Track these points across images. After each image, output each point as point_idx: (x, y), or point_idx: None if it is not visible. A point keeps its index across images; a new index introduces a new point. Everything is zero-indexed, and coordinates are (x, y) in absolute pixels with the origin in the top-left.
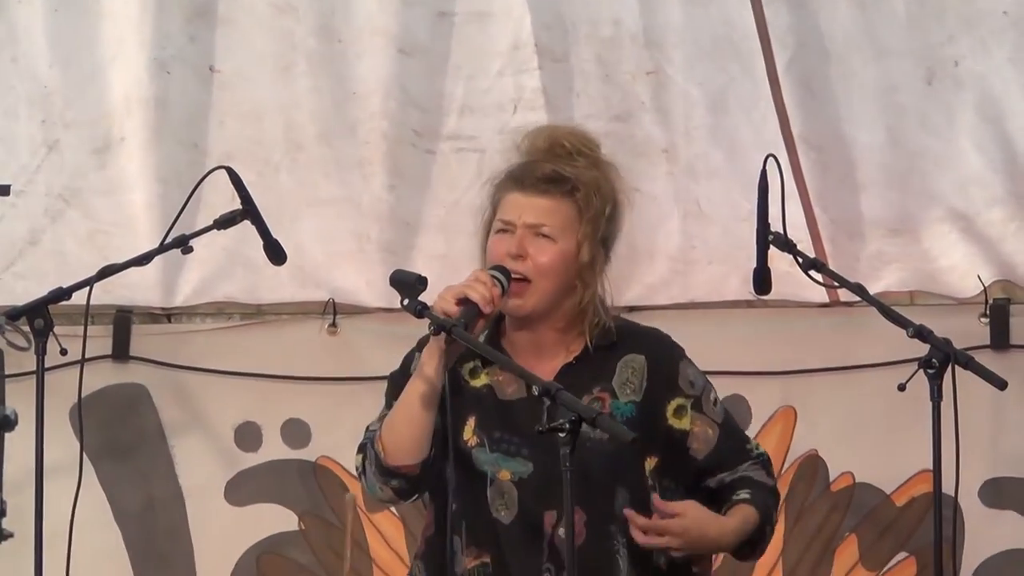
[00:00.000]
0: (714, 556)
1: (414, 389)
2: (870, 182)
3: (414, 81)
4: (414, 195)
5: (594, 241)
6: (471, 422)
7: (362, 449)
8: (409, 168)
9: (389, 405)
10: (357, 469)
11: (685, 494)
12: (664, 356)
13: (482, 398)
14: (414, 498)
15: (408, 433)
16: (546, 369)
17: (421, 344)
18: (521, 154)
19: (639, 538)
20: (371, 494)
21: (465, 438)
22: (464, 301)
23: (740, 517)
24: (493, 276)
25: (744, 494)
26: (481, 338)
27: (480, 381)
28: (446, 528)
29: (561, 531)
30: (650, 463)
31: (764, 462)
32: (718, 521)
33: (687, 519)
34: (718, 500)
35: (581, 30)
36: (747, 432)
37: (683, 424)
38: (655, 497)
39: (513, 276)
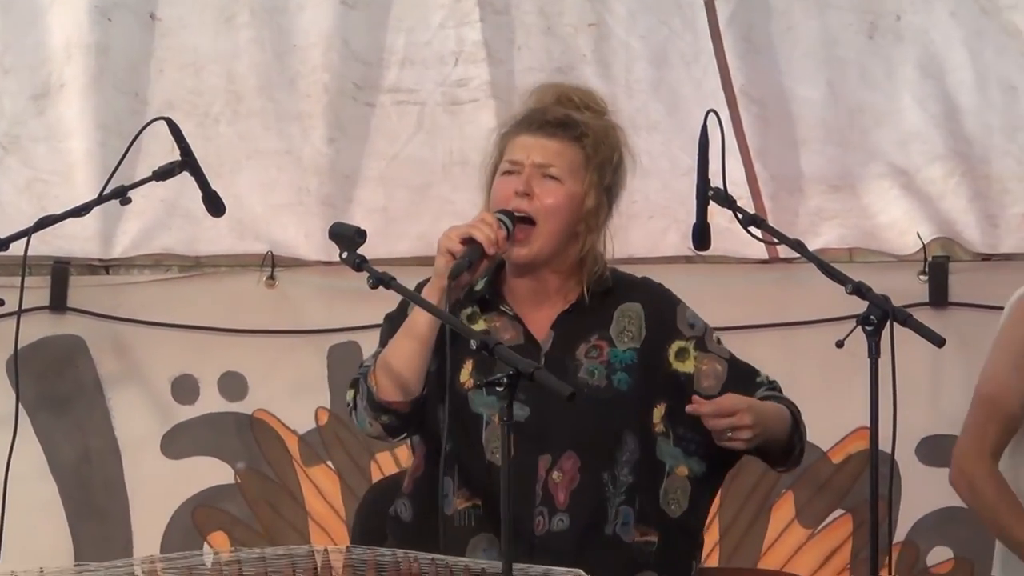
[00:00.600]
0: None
1: (411, 326)
2: (810, 138)
3: (355, 34)
4: (354, 148)
5: (600, 188)
6: (468, 365)
7: (354, 384)
8: (349, 121)
9: (384, 344)
10: (348, 404)
11: (703, 442)
12: (660, 302)
13: (465, 341)
14: (402, 436)
15: (401, 370)
16: (543, 317)
17: (420, 286)
18: (522, 108)
19: (719, 424)
20: (360, 428)
21: (462, 380)
22: (469, 241)
23: (772, 404)
24: (499, 218)
25: (766, 394)
26: (481, 284)
27: (477, 326)
28: (436, 469)
29: (555, 475)
30: (659, 411)
31: (775, 387)
32: (759, 403)
33: (739, 403)
34: None
35: None
36: None
37: (687, 367)
38: (694, 398)
39: (518, 215)
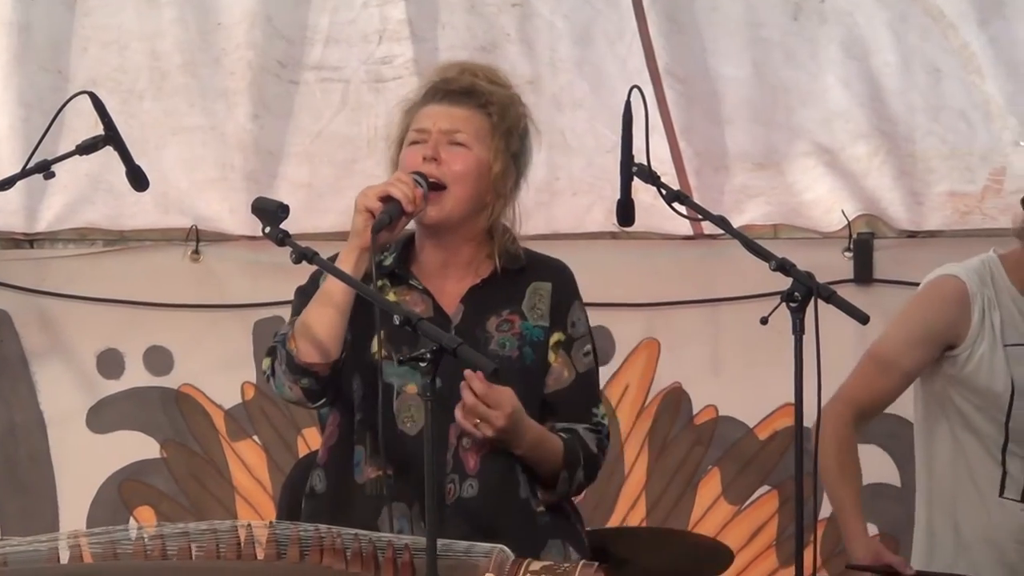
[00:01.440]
0: None
1: (327, 293)
2: (735, 116)
3: (279, 12)
4: (278, 125)
5: (507, 154)
6: (381, 335)
7: (271, 352)
8: (273, 98)
9: (298, 314)
10: (265, 372)
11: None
12: (565, 289)
13: (390, 316)
14: (322, 402)
15: (321, 331)
16: (455, 290)
17: (334, 258)
18: (423, 83)
19: (467, 400)
20: (279, 393)
21: (373, 351)
22: (387, 199)
23: (547, 436)
24: (414, 178)
25: (562, 434)
26: (390, 259)
27: (388, 299)
28: (350, 438)
29: (465, 441)
30: None
31: (601, 436)
32: (528, 420)
33: (514, 402)
34: None
35: None
36: (609, 364)
37: (552, 358)
38: (478, 374)
39: (428, 181)
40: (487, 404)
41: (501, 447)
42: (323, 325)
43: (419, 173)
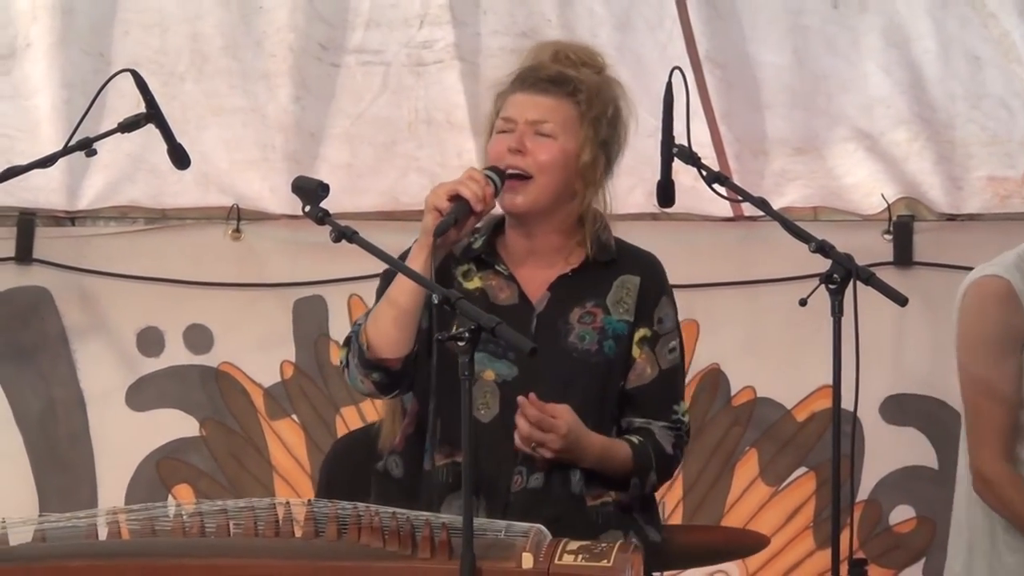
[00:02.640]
0: None
1: (400, 284)
2: (775, 102)
3: None
4: (319, 107)
5: (595, 143)
6: (459, 321)
7: (347, 342)
8: (314, 81)
9: (378, 298)
10: (340, 362)
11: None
12: (654, 285)
13: (474, 301)
14: (394, 393)
15: (391, 327)
16: (542, 278)
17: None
18: (524, 64)
19: (522, 427)
20: (352, 386)
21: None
22: (456, 197)
23: (612, 445)
24: (487, 175)
25: (633, 437)
26: (479, 242)
27: (473, 284)
28: (425, 426)
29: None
30: None
31: (680, 432)
32: (587, 433)
33: (570, 420)
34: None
35: None
36: None
37: (636, 353)
38: (532, 395)
39: (511, 173)
40: (542, 428)
41: (566, 462)
42: (392, 320)
43: (495, 168)
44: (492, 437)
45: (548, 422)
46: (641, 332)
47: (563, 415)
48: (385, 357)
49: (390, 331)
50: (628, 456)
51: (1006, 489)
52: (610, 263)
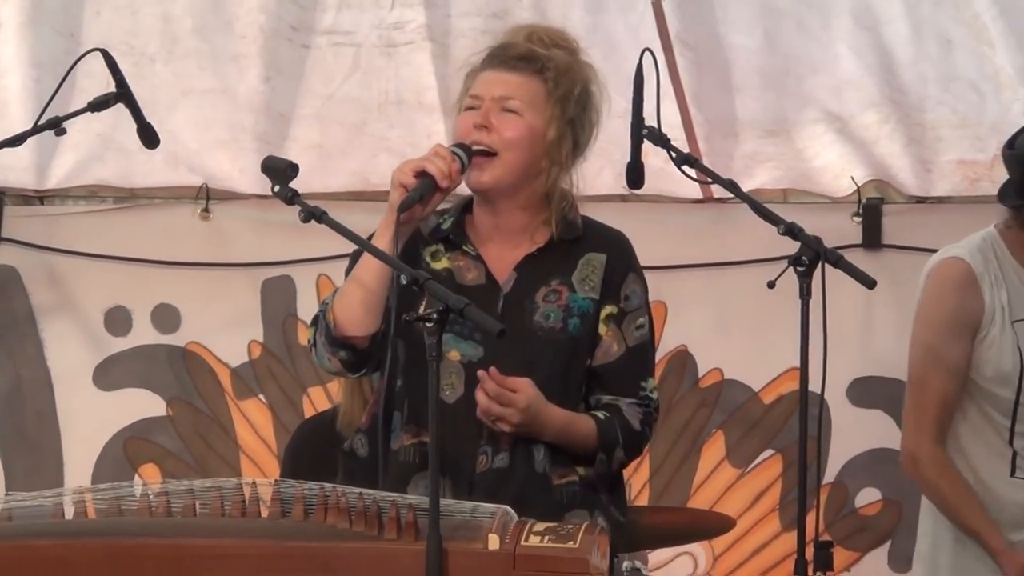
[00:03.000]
0: None
1: (367, 263)
2: (746, 84)
3: None
4: (289, 88)
5: (562, 121)
6: (427, 302)
7: (315, 321)
8: (285, 62)
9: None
10: (308, 341)
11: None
12: (620, 262)
13: (441, 281)
14: (362, 372)
15: (357, 305)
16: (509, 257)
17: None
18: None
19: (481, 401)
20: (320, 364)
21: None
22: (421, 174)
23: (575, 419)
24: (453, 151)
25: (600, 414)
26: (447, 223)
27: (440, 264)
28: (391, 405)
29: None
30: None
31: (648, 409)
32: (549, 408)
33: (530, 394)
34: None
35: None
36: None
37: (602, 330)
38: (492, 369)
39: (476, 149)
40: (501, 402)
41: (526, 436)
42: (359, 299)
43: (461, 145)
44: (457, 417)
45: (507, 396)
46: (607, 309)
47: (523, 388)
48: (352, 335)
49: (357, 309)
50: (593, 431)
51: (930, 470)
52: (576, 241)
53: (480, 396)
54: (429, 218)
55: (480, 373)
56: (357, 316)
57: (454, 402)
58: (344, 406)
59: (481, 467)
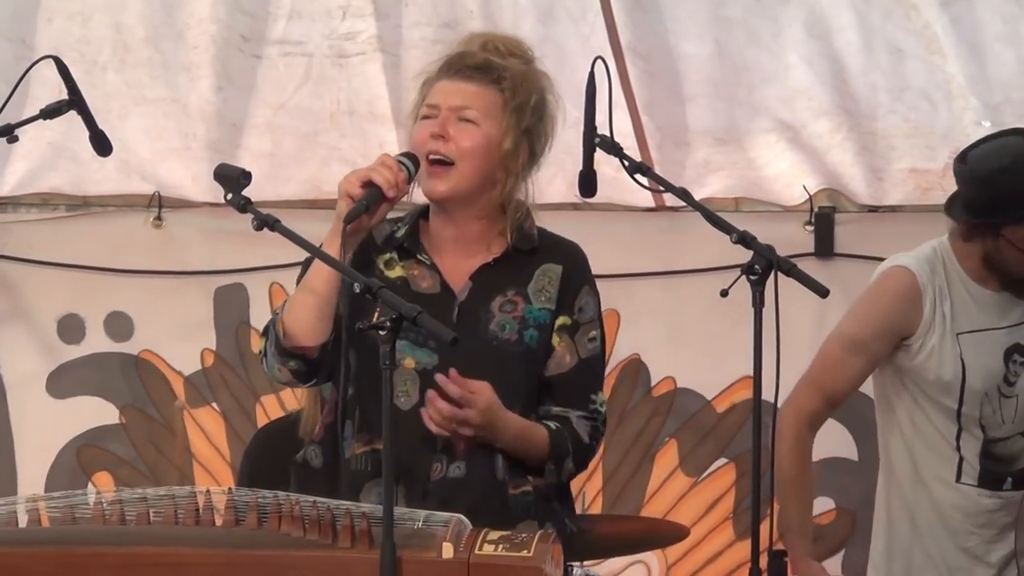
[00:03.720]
0: None
1: (317, 271)
2: (697, 93)
3: None
4: (241, 97)
5: (518, 131)
6: (380, 310)
7: (266, 331)
8: (236, 71)
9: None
10: (259, 351)
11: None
12: (575, 273)
13: (396, 289)
14: (312, 382)
15: (307, 314)
16: (464, 267)
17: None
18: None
19: (443, 408)
20: (270, 375)
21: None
22: (368, 184)
23: (530, 427)
24: (399, 161)
25: (552, 424)
26: (402, 231)
27: (395, 272)
28: (343, 414)
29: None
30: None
31: (597, 423)
32: (505, 413)
33: (488, 396)
34: None
35: None
36: None
37: (556, 341)
38: (451, 371)
39: (433, 159)
40: (459, 405)
41: (481, 441)
42: (309, 308)
43: (408, 155)
44: (411, 424)
45: (468, 398)
46: (561, 320)
47: (482, 391)
48: (302, 345)
49: (307, 318)
50: (545, 440)
51: (789, 444)
52: (532, 252)
53: (441, 404)
54: (383, 226)
55: (439, 378)
56: (308, 324)
57: (408, 409)
58: (307, 411)
59: (436, 475)
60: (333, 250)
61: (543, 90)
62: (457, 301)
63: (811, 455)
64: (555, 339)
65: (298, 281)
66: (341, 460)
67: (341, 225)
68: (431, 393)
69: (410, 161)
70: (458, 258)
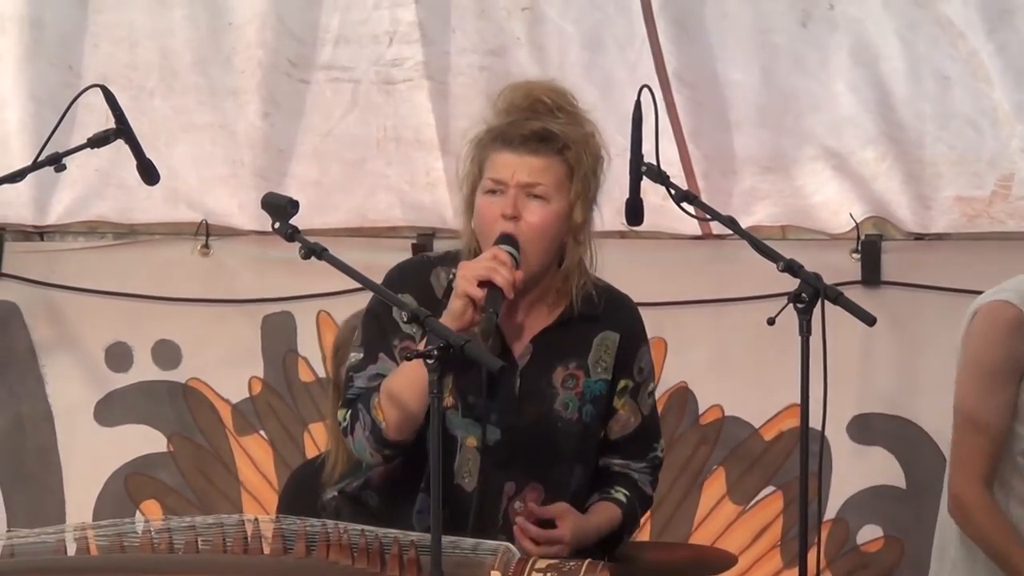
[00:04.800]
0: None
1: (402, 379)
2: (744, 120)
3: (290, 11)
4: (288, 123)
5: (586, 200)
6: (448, 381)
7: (350, 405)
8: (284, 97)
9: (366, 350)
10: (342, 424)
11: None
12: (633, 337)
13: (455, 359)
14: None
15: (415, 411)
16: (525, 327)
17: (394, 282)
18: (498, 112)
19: (529, 548)
20: (357, 452)
21: (446, 402)
22: (488, 284)
23: (607, 518)
24: (510, 254)
25: (620, 494)
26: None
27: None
28: (410, 476)
29: (517, 504)
30: None
31: (656, 467)
32: (587, 523)
33: (570, 523)
34: (595, 480)
35: None
36: None
37: (618, 403)
38: (530, 504)
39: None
40: (548, 541)
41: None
42: (419, 401)
43: (510, 241)
44: (475, 506)
45: (553, 535)
46: (623, 383)
47: (563, 516)
48: (404, 439)
49: (413, 414)
50: (619, 518)
51: (977, 515)
52: (593, 318)
53: (527, 544)
54: (441, 274)
55: (519, 520)
56: (412, 422)
57: (471, 490)
58: (331, 457)
59: None
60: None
61: (599, 147)
62: (518, 368)
63: (1000, 508)
64: (617, 402)
65: (364, 336)
66: (398, 509)
67: (456, 325)
68: (520, 522)
69: (516, 251)
70: (517, 317)
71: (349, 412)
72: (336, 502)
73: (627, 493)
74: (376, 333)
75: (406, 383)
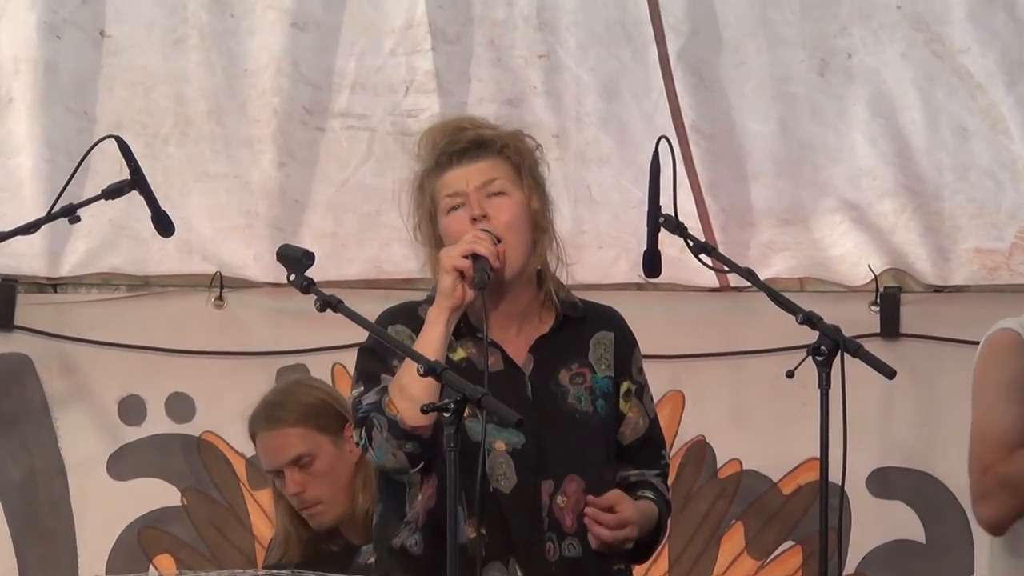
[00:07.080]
0: None
1: (410, 377)
2: (761, 172)
3: (306, 57)
4: (303, 173)
5: (539, 188)
6: (444, 391)
7: (363, 422)
8: (299, 146)
9: (366, 380)
10: (359, 443)
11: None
12: (627, 337)
13: (462, 372)
14: (419, 466)
15: (421, 392)
16: (520, 340)
17: (384, 319)
18: (423, 156)
19: (604, 535)
20: (379, 463)
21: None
22: (473, 256)
23: (648, 510)
24: (486, 231)
25: (649, 494)
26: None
27: (458, 355)
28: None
29: (560, 500)
30: None
31: (666, 473)
32: (642, 507)
33: (631, 505)
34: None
35: (475, 11)
36: None
37: (625, 407)
38: (590, 498)
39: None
40: (618, 526)
41: None
42: (422, 386)
43: (484, 230)
44: (516, 507)
45: (621, 519)
46: (625, 385)
47: (620, 501)
48: (421, 424)
49: (421, 397)
50: (655, 515)
51: (1002, 467)
52: (582, 320)
53: (601, 531)
54: (428, 311)
55: (588, 511)
56: (419, 415)
57: (510, 491)
58: (279, 527)
59: (551, 556)
60: (438, 327)
61: (531, 142)
62: (526, 375)
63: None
64: (623, 405)
65: (360, 372)
66: (450, 544)
67: (450, 302)
68: (590, 512)
69: (493, 235)
70: (511, 332)
71: (364, 428)
72: (379, 564)
73: (653, 496)
74: (375, 363)
75: (406, 369)
